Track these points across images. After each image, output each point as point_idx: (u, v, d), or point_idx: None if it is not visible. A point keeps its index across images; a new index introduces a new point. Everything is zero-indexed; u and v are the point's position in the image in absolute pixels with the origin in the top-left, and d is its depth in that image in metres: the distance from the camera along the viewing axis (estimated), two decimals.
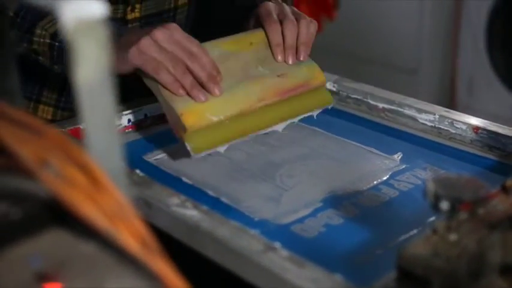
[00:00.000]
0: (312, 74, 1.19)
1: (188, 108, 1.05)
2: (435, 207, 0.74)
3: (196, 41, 1.08)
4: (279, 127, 1.16)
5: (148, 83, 1.08)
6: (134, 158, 1.13)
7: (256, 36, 1.19)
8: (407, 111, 1.27)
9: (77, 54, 0.57)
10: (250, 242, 0.84)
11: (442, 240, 0.75)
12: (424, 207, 1.00)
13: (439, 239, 0.75)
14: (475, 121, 1.21)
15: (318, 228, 0.96)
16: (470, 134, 1.20)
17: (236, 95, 1.10)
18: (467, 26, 3.03)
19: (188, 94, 1.06)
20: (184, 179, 1.08)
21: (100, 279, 0.56)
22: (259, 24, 1.21)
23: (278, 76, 1.15)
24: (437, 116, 1.24)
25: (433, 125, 1.25)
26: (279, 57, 1.17)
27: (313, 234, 0.94)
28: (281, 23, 1.18)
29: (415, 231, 0.95)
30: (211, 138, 1.08)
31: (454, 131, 1.22)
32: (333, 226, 0.97)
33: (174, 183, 1.06)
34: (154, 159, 1.16)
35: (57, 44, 1.16)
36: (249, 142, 1.18)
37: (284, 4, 1.22)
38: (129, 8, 1.30)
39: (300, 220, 0.98)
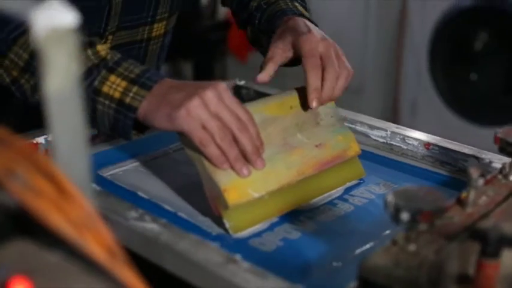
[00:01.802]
0: (348, 144, 1.15)
1: (231, 183, 0.99)
2: (395, 219, 0.75)
3: (243, 106, 1.00)
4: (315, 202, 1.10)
5: (189, 150, 1.01)
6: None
7: (295, 99, 1.13)
8: (359, 128, 1.29)
9: (47, 63, 0.56)
10: (211, 255, 0.84)
11: (401, 251, 0.76)
12: (378, 221, 1.03)
13: (399, 249, 0.76)
14: (426, 137, 1.23)
15: (275, 242, 0.97)
16: (422, 150, 1.22)
17: (277, 169, 1.04)
18: (411, 46, 3.10)
19: (231, 166, 0.99)
20: (141, 194, 1.08)
21: (66, 287, 0.55)
22: (295, 52, 1.14)
23: (316, 146, 1.11)
24: (389, 133, 1.26)
25: (385, 141, 1.27)
26: (314, 104, 1.09)
27: (271, 248, 0.95)
28: (323, 67, 1.11)
29: (371, 243, 0.96)
30: (250, 216, 1.01)
31: (405, 147, 1.24)
32: (290, 240, 0.97)
33: (131, 197, 1.06)
34: (109, 175, 1.15)
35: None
36: None
37: (329, 41, 1.15)
38: (102, 41, 1.26)
39: (258, 234, 0.99)
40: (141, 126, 1.05)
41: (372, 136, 1.28)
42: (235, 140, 0.98)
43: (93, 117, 1.06)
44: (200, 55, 3.53)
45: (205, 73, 3.47)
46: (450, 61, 3.04)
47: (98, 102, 1.04)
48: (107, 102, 1.03)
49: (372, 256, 0.75)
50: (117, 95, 1.02)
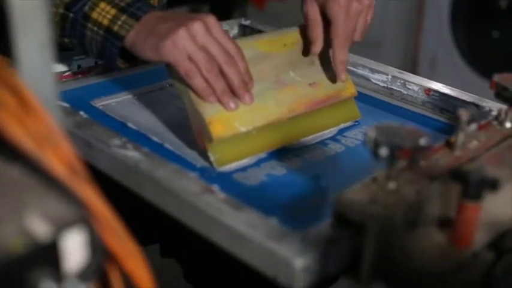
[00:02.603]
0: (343, 84, 1.11)
1: (217, 116, 0.97)
2: (374, 154, 0.73)
3: (232, 40, 0.98)
4: (306, 141, 1.08)
5: (176, 82, 0.99)
6: (81, 103, 1.11)
7: (291, 37, 1.10)
8: (360, 71, 1.26)
9: None
10: (188, 184, 0.83)
11: (380, 189, 0.74)
12: (369, 163, 1.00)
13: (378, 187, 0.74)
14: (427, 83, 1.20)
15: (260, 177, 0.95)
16: (422, 96, 1.19)
17: (266, 104, 1.02)
18: (433, 3, 3.03)
19: (218, 99, 0.98)
20: (130, 125, 1.06)
21: (21, 202, 0.54)
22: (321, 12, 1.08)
23: (310, 85, 1.08)
24: (390, 77, 1.23)
25: (385, 85, 1.24)
26: (342, 76, 1.08)
27: (254, 182, 0.94)
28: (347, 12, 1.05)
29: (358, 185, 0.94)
30: (236, 150, 0.99)
31: (405, 92, 1.21)
32: (275, 176, 0.96)
33: (119, 128, 1.04)
34: (101, 105, 1.14)
35: (71, 15, 1.06)
36: None
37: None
38: None
39: (243, 169, 0.97)
40: (129, 56, 1.04)
41: (372, 80, 1.26)
42: (223, 74, 0.96)
43: (82, 42, 1.05)
44: None
45: (223, 17, 3.41)
46: (472, 17, 2.98)
47: (86, 27, 1.03)
48: (95, 28, 1.03)
49: (349, 191, 0.73)
50: (105, 22, 1.01)
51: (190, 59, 0.94)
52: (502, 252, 0.77)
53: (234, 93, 0.98)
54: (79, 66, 1.23)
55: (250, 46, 1.04)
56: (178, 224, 0.84)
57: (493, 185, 0.71)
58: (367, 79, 1.26)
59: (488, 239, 0.78)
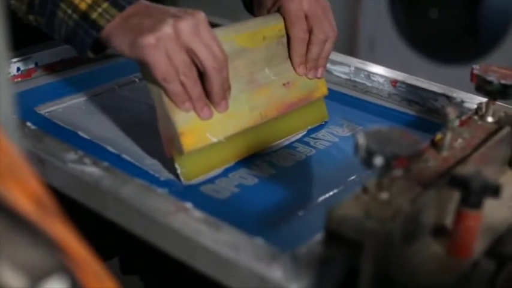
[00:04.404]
0: (316, 83, 1.05)
1: (189, 126, 0.89)
2: (367, 163, 0.67)
3: (219, 44, 0.89)
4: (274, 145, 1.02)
5: (148, 83, 0.89)
6: (24, 110, 1.02)
7: (271, 29, 1.01)
8: None
9: None
10: (159, 202, 0.76)
11: (373, 200, 0.68)
12: (343, 165, 0.95)
13: (370, 198, 0.69)
14: (392, 74, 1.15)
15: (230, 188, 0.89)
16: (388, 88, 1.14)
17: (239, 110, 0.95)
18: None
19: (192, 106, 0.89)
20: (81, 133, 0.98)
21: None
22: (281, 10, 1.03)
23: (283, 85, 1.01)
24: (352, 68, 1.18)
25: (348, 77, 1.18)
26: (300, 69, 1.02)
27: (225, 195, 0.87)
28: (310, 31, 1.01)
29: (335, 190, 0.89)
30: (205, 161, 0.92)
31: (370, 84, 1.16)
32: (247, 186, 0.89)
33: (70, 138, 0.96)
34: (47, 112, 1.05)
35: None
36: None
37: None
38: None
39: (211, 180, 0.90)
40: (100, 47, 0.94)
41: (333, 72, 1.20)
42: (202, 79, 0.88)
43: (51, 22, 0.94)
44: None
45: None
46: None
47: (59, 7, 0.92)
48: (69, 10, 0.91)
49: (340, 205, 0.67)
50: (83, 6, 0.90)
51: (169, 60, 0.85)
52: (503, 260, 0.72)
53: (210, 100, 0.90)
54: (18, 69, 1.14)
55: (230, 39, 0.96)
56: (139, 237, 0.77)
57: (495, 191, 0.66)
58: (328, 71, 1.19)
59: (485, 246, 0.73)
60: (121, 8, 0.89)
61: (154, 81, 0.87)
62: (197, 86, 0.88)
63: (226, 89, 0.91)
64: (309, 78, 1.04)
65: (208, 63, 0.86)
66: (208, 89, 0.88)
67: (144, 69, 0.88)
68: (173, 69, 0.85)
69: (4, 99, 0.55)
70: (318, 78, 1.04)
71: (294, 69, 1.03)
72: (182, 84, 0.86)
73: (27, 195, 0.49)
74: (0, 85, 0.54)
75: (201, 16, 0.87)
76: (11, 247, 0.45)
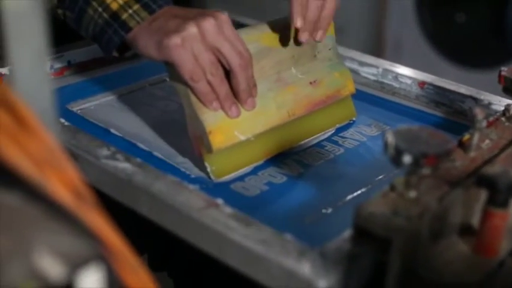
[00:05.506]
0: (343, 82, 1.06)
1: (218, 125, 0.90)
2: (396, 162, 0.67)
3: (243, 42, 0.90)
4: (303, 144, 1.02)
5: (175, 83, 0.90)
6: (57, 108, 1.03)
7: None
8: (348, 64, 1.21)
9: None
10: (190, 198, 0.77)
11: (401, 198, 0.69)
12: (371, 165, 0.96)
13: (397, 196, 0.69)
14: (420, 76, 1.15)
15: (259, 186, 0.90)
16: (416, 89, 1.15)
17: (266, 108, 0.95)
18: None
19: (220, 105, 0.90)
20: (113, 131, 1.00)
21: (27, 235, 0.47)
22: None
23: (310, 83, 1.02)
24: (380, 70, 1.19)
25: (376, 79, 1.19)
26: (302, 36, 0.97)
27: (255, 193, 0.88)
28: None
29: (363, 189, 0.89)
30: (235, 159, 0.93)
31: (398, 86, 1.17)
32: (275, 185, 0.90)
33: (102, 135, 0.97)
34: (79, 109, 1.07)
35: None
36: None
37: None
38: None
39: (240, 178, 0.92)
40: (125, 47, 0.96)
41: (362, 73, 1.20)
42: (229, 77, 0.89)
43: (80, 19, 0.96)
44: None
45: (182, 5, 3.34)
46: (437, 0, 2.96)
47: (90, 5, 0.94)
48: (99, 9, 0.93)
49: (369, 203, 0.68)
50: (114, 6, 0.92)
51: (196, 60, 0.86)
52: None
53: (237, 98, 0.91)
54: (51, 67, 1.16)
55: (255, 40, 0.96)
56: (169, 233, 0.78)
57: None
58: (356, 73, 1.20)
59: (510, 245, 0.74)
60: (152, 11, 0.91)
61: (182, 82, 0.88)
62: (224, 84, 0.89)
63: (252, 86, 0.92)
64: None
65: (234, 60, 0.88)
66: (235, 87, 0.90)
67: (171, 70, 0.89)
68: (200, 69, 0.86)
69: (44, 95, 0.57)
70: (317, 41, 1.00)
71: (299, 36, 0.98)
72: (209, 83, 0.88)
73: (65, 185, 0.50)
74: (40, 81, 0.56)
75: (224, 16, 0.89)
76: (50, 235, 0.46)
